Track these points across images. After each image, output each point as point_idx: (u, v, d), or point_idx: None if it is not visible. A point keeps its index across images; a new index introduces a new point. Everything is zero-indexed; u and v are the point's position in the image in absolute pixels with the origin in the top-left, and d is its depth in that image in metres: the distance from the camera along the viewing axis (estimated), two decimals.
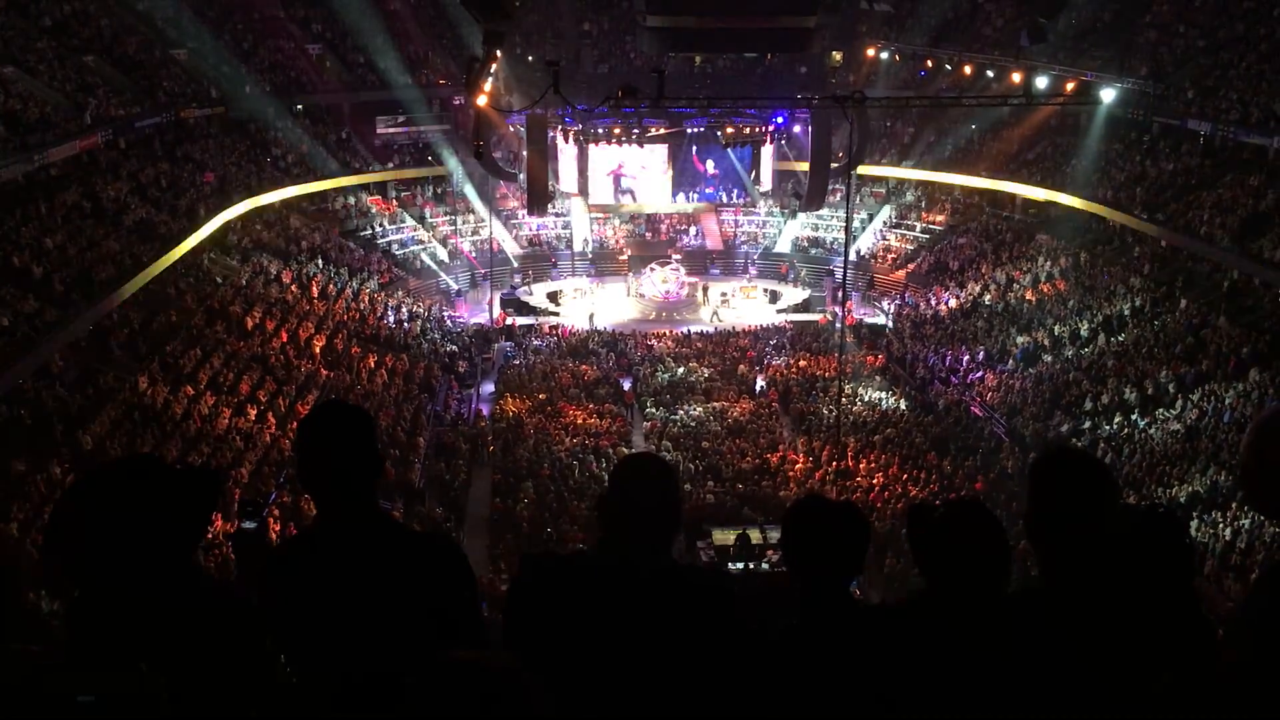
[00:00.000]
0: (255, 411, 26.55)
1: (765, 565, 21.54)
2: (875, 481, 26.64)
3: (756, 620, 2.93)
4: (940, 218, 45.44)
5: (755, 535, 23.08)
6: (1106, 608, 2.66)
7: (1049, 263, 38.19)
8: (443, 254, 45.45)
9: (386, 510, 2.97)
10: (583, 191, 46.17)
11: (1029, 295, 36.79)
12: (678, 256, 45.61)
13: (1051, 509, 2.76)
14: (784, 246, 47.94)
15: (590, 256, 47.58)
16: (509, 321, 39.95)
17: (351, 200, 44.56)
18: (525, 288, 44.31)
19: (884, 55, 47.62)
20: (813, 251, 47.32)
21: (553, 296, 44.09)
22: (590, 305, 41.78)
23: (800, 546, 2.90)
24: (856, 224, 45.19)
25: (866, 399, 32.63)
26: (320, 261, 38.67)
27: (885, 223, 46.91)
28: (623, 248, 48.11)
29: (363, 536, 2.81)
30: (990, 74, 41.89)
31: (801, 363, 35.59)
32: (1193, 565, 2.82)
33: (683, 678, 2.78)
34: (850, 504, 3.01)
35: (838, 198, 44.21)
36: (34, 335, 24.09)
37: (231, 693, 2.48)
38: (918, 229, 45.88)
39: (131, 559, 2.38)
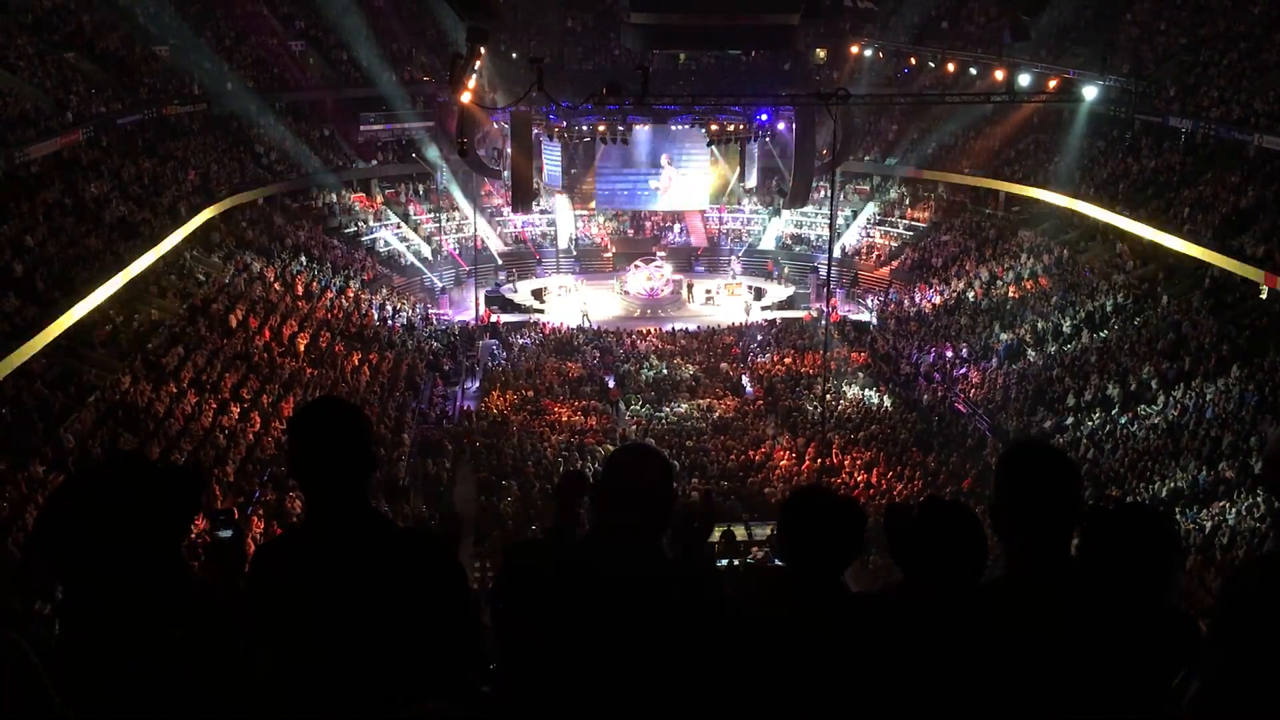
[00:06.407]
0: (239, 410, 26.43)
1: (750, 562, 21.55)
2: (860, 478, 26.71)
3: (745, 612, 2.95)
4: (924, 214, 45.58)
5: (740, 532, 23.09)
6: (1072, 597, 2.71)
7: (1031, 259, 38.37)
8: (427, 251, 45.35)
9: (377, 508, 2.96)
10: (568, 189, 46.23)
11: (1012, 292, 36.95)
12: (662, 254, 45.64)
13: (1017, 502, 2.79)
14: (768, 244, 48.00)
15: (575, 254, 47.55)
16: (494, 319, 39.88)
17: (335, 198, 44.39)
18: (510, 285, 44.26)
19: (867, 53, 47.69)
20: (797, 248, 47.40)
21: (537, 294, 44.05)
22: (581, 302, 41.70)
23: (798, 538, 2.90)
24: (840, 221, 45.30)
25: (851, 396, 32.71)
26: (304, 259, 38.50)
27: (869, 220, 47.00)
28: (607, 245, 48.12)
29: (353, 533, 2.81)
30: (973, 71, 42.06)
31: (787, 360, 35.66)
32: (1171, 560, 2.86)
33: (673, 669, 2.79)
34: (849, 498, 3.03)
35: (822, 195, 44.34)
36: (15, 333, 23.93)
37: (219, 692, 2.48)
38: (901, 226, 45.99)
39: (118, 558, 2.38)
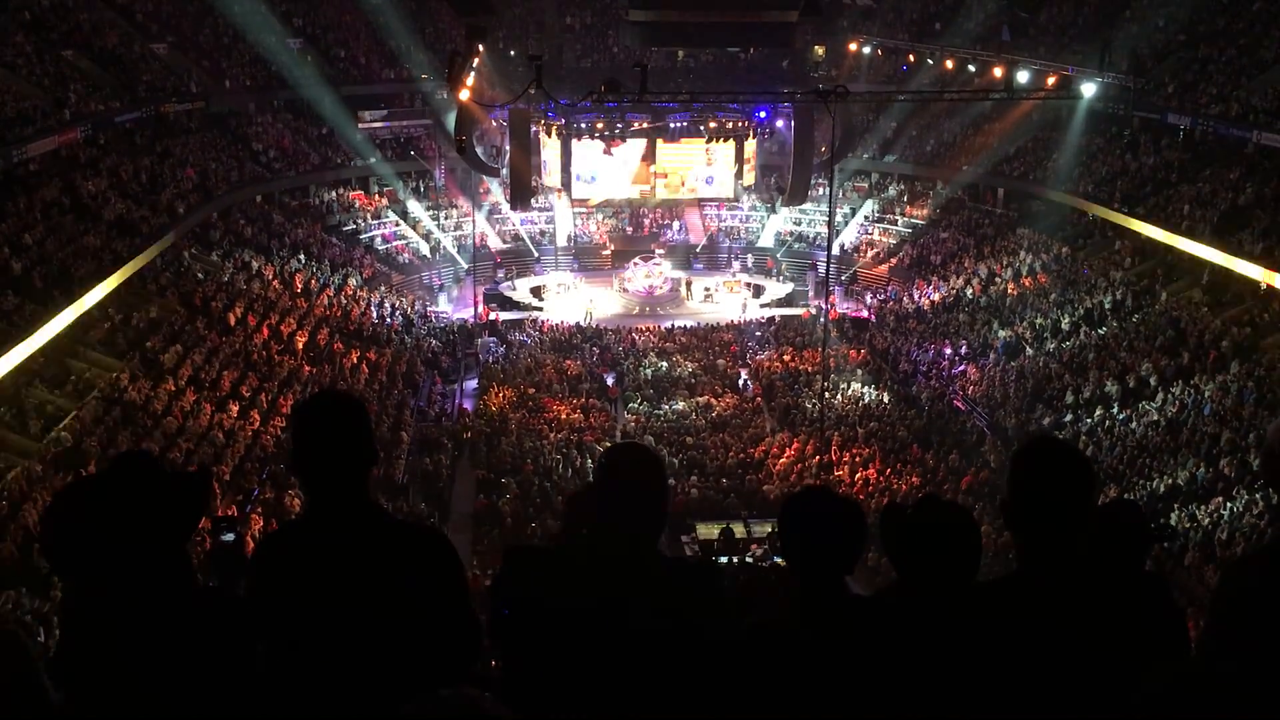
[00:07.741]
0: (238, 408, 26.42)
1: (749, 559, 21.58)
2: (859, 475, 26.71)
3: (744, 613, 2.94)
4: (922, 212, 45.54)
5: (739, 529, 23.14)
6: (1080, 594, 2.70)
7: (1030, 256, 38.37)
8: (425, 249, 45.32)
9: (376, 501, 2.96)
10: (565, 186, 46.24)
11: (1010, 289, 36.95)
12: (661, 251, 45.64)
13: (1032, 498, 2.78)
14: (767, 241, 47.99)
15: (574, 251, 47.52)
16: (492, 317, 39.86)
17: (333, 195, 44.34)
18: (509, 283, 44.22)
19: (866, 50, 47.69)
20: (795, 246, 47.36)
21: (536, 291, 44.03)
22: (588, 300, 41.68)
23: (799, 539, 2.88)
24: (839, 218, 45.26)
25: (850, 393, 32.71)
26: (302, 257, 38.47)
27: (868, 217, 46.99)
28: (606, 242, 48.08)
29: (353, 526, 2.81)
30: (972, 68, 42.03)
31: (785, 357, 35.65)
32: (1147, 547, 2.86)
33: (672, 671, 2.78)
34: (850, 498, 3.01)
35: (820, 192, 44.34)
36: (13, 330, 23.91)
37: (221, 691, 2.48)
38: (900, 223, 45.97)
39: (122, 558, 2.38)
